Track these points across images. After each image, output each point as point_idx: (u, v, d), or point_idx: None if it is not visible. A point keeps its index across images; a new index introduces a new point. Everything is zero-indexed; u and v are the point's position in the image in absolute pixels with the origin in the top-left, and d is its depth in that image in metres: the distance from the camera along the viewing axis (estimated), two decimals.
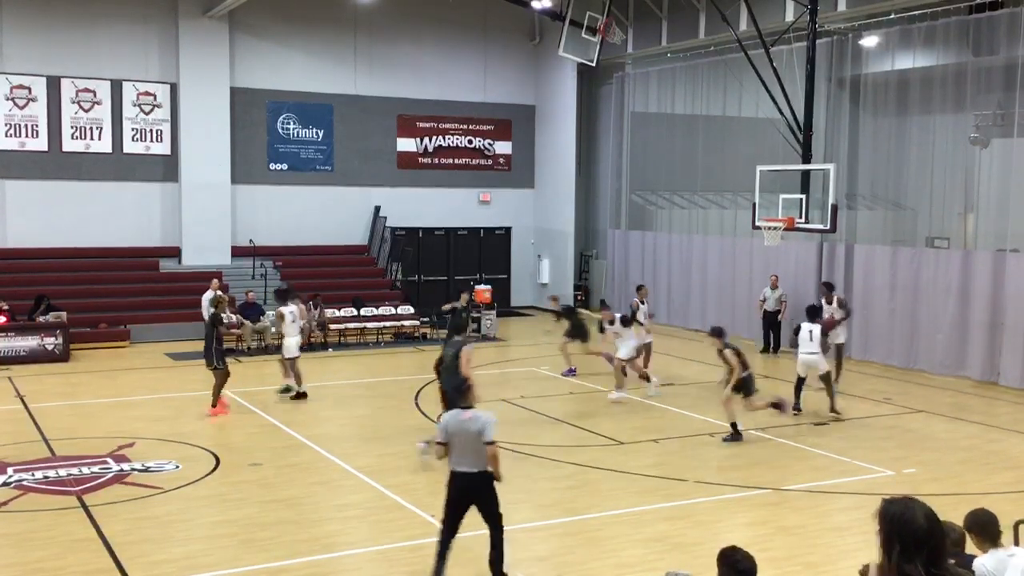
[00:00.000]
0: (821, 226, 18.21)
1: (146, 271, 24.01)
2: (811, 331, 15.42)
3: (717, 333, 14.05)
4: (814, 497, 11.33)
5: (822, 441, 13.90)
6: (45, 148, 23.50)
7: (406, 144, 27.60)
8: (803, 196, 18.17)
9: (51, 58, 23.33)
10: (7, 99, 23.09)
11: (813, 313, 16.12)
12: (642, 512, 10.65)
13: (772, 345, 21.71)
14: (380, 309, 23.91)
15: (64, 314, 20.79)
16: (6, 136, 23.14)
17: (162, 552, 9.36)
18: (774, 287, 21.57)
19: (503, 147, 28.93)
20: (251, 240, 25.26)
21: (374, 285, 25.58)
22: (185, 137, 24.47)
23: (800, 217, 18.13)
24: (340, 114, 26.60)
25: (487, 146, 28.68)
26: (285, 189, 26.07)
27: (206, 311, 20.39)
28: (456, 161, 28.26)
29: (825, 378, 15.54)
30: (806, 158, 18.54)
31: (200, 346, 20.33)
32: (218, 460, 12.55)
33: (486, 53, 28.35)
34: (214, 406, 15.09)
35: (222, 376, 15.11)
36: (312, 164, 26.46)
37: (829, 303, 18.02)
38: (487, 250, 28.80)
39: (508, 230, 29.14)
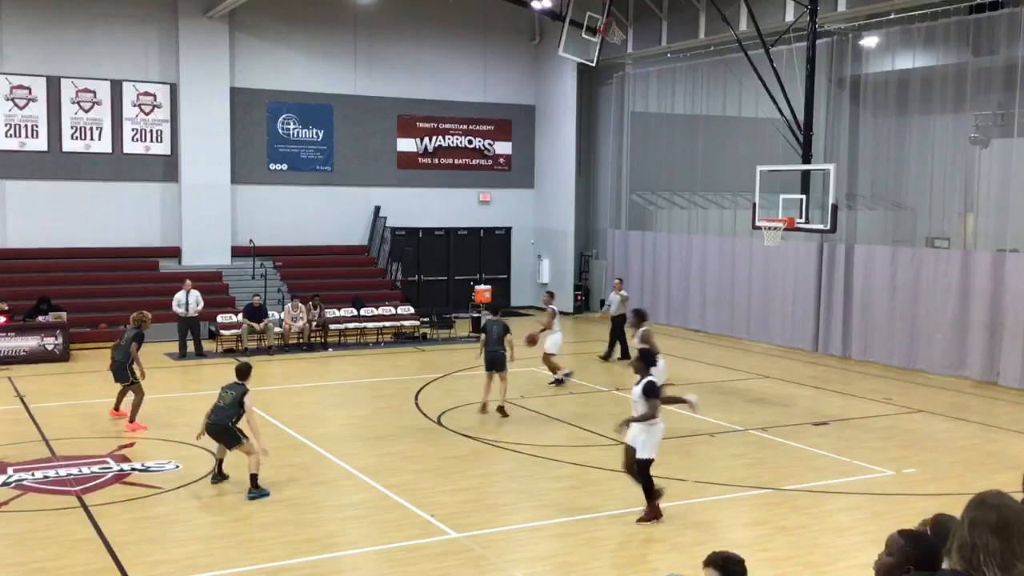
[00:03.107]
0: (821, 226, 18.23)
1: (146, 271, 24.00)
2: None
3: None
4: (814, 497, 11.33)
5: (822, 441, 13.90)
6: (45, 148, 23.50)
7: (406, 144, 27.60)
8: (803, 196, 18.18)
9: (51, 58, 23.33)
10: (7, 99, 23.09)
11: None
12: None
13: (621, 351, 20.42)
14: (380, 309, 23.91)
15: (64, 314, 20.80)
16: (6, 136, 23.13)
17: (162, 552, 9.36)
18: (618, 291, 20.90)
19: (503, 147, 28.92)
20: (251, 240, 25.25)
21: (374, 285, 25.59)
22: (185, 137, 24.47)
23: (800, 217, 18.14)
24: (340, 114, 26.60)
25: (487, 146, 28.68)
26: (285, 189, 26.07)
27: (178, 308, 20.35)
28: (456, 161, 28.26)
29: None
30: (806, 158, 18.55)
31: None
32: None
33: (486, 53, 28.35)
34: (132, 420, 14.27)
35: (140, 390, 14.40)
36: (312, 164, 26.46)
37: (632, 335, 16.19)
38: (487, 250, 28.80)
39: (508, 230, 29.14)
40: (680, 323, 25.59)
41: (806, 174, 18.45)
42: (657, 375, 10.68)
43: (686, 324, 25.41)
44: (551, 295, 19.55)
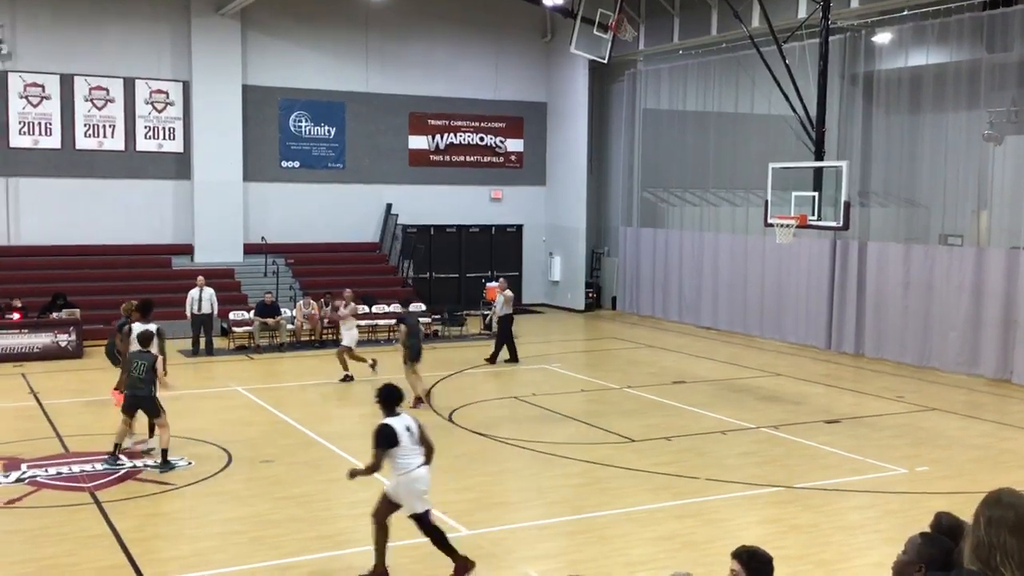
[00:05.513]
0: (834, 223, 18.13)
1: (158, 268, 24.09)
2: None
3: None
4: (826, 495, 11.29)
5: (834, 439, 13.85)
6: (58, 146, 23.61)
7: (418, 141, 27.62)
8: (816, 193, 18.08)
9: (64, 56, 23.43)
10: (21, 97, 23.20)
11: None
12: (653, 510, 10.64)
13: (510, 353, 20.02)
14: (392, 307, 23.89)
15: (78, 311, 20.89)
16: (20, 134, 23.26)
17: (174, 549, 9.40)
18: (501, 291, 20.35)
19: (515, 144, 28.91)
20: (263, 238, 25.31)
21: (386, 283, 25.61)
22: (197, 135, 24.54)
23: (813, 214, 18.05)
24: (352, 112, 26.64)
25: (499, 143, 28.67)
26: (297, 187, 26.13)
27: (191, 307, 20.46)
28: (468, 158, 28.26)
29: None
30: (819, 155, 18.45)
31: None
32: (230, 457, 12.59)
33: (498, 50, 28.34)
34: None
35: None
36: (324, 162, 26.50)
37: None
38: (499, 247, 28.79)
39: (520, 227, 29.14)
40: (692, 320, 25.54)
41: (819, 171, 18.35)
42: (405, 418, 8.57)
43: (698, 321, 25.36)
44: (349, 293, 18.89)
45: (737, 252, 24.23)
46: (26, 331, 19.92)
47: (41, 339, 19.96)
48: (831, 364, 20.29)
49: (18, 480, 11.45)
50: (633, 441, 13.69)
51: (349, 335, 18.06)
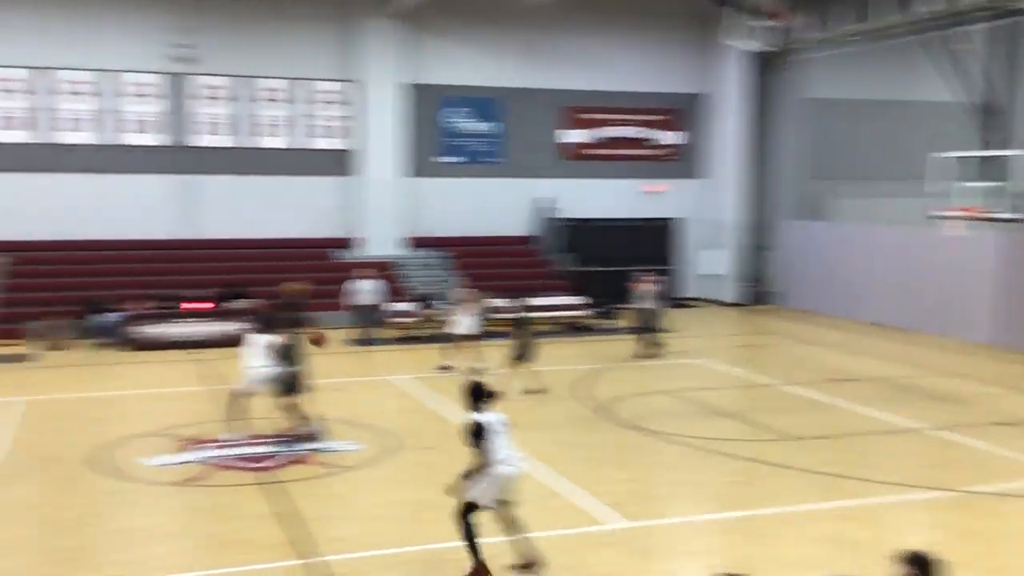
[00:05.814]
0: (1012, 215, 17.21)
1: (324, 261, 25.07)
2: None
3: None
4: (998, 500, 10.78)
5: (1007, 442, 13.17)
6: (237, 144, 24.94)
7: (574, 135, 27.77)
8: (996, 184, 17.21)
9: (239, 59, 24.72)
10: (201, 99, 24.62)
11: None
12: (811, 510, 10.42)
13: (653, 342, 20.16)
14: (548, 299, 24.03)
15: (252, 301, 21.97)
16: (198, 134, 24.69)
17: (338, 529, 9.83)
18: (650, 283, 20.15)
19: (672, 137, 28.65)
20: (426, 231, 26.02)
21: (541, 275, 25.85)
22: (363, 132, 25.45)
23: (990, 207, 17.19)
24: (510, 107, 27.03)
25: (655, 136, 28.48)
26: (457, 181, 26.75)
27: (354, 298, 21.22)
28: (624, 152, 28.20)
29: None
30: (998, 144, 17.56)
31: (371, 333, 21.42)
32: (394, 443, 13.04)
33: (654, 42, 28.13)
34: None
35: None
36: (483, 156, 27.01)
37: None
38: (654, 240, 28.57)
39: (676, 220, 28.84)
40: (853, 315, 24.72)
41: (995, 160, 17.48)
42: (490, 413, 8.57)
43: (862, 317, 24.52)
44: (466, 286, 19.43)
45: (903, 244, 23.28)
46: (210, 319, 21.15)
47: (222, 327, 21.09)
48: (1004, 363, 19.26)
49: (199, 461, 12.21)
50: (794, 439, 13.41)
51: (465, 324, 18.21)
